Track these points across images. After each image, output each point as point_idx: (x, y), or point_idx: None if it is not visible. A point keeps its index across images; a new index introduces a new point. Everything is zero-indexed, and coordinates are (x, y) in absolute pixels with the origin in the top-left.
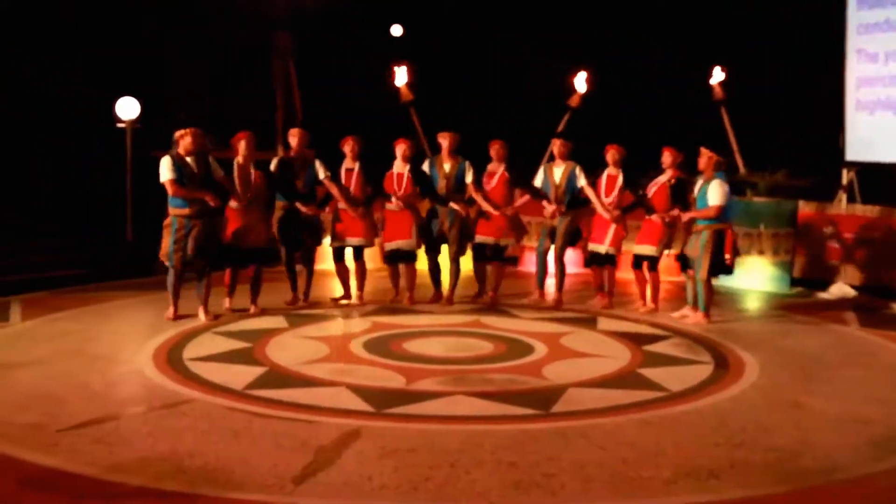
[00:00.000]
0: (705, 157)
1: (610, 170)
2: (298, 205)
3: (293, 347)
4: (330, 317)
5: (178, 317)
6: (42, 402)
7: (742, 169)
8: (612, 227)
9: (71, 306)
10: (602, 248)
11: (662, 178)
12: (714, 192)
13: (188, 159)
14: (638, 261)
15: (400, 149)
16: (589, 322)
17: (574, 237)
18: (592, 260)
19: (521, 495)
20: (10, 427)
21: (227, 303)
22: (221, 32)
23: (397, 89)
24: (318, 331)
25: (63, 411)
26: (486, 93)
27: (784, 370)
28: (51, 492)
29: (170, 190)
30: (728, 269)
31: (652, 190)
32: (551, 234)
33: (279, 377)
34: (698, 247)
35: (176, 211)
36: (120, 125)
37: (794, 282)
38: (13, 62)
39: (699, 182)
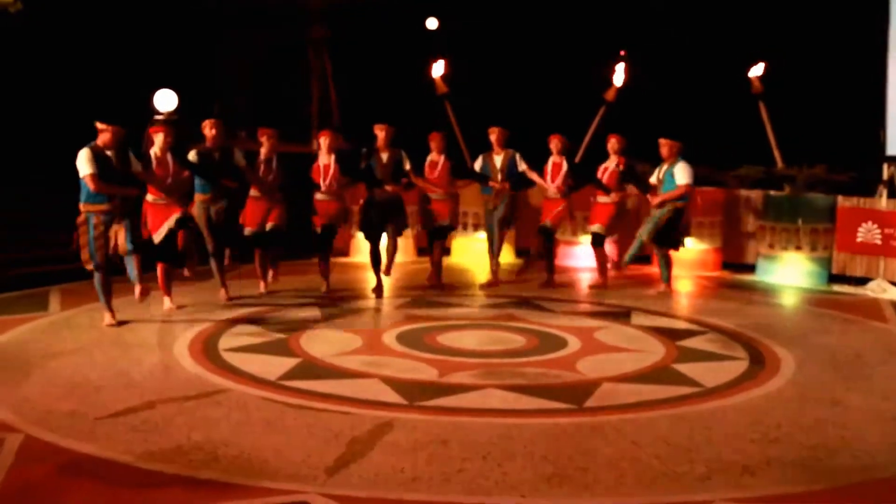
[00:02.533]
0: (666, 145)
1: (554, 157)
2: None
3: (327, 339)
4: (363, 309)
5: (119, 322)
6: (81, 391)
7: (780, 163)
8: (560, 206)
9: None
10: (548, 223)
11: (611, 164)
12: (681, 173)
13: (108, 153)
14: (597, 239)
15: (324, 140)
16: (623, 317)
17: (510, 222)
18: (542, 232)
19: (552, 489)
20: (49, 415)
21: (168, 302)
22: (258, 26)
23: (433, 81)
24: (351, 323)
25: (101, 399)
26: (523, 85)
27: (821, 367)
28: (88, 479)
29: (91, 185)
30: (676, 244)
31: (604, 175)
32: (493, 217)
33: (313, 368)
34: (653, 218)
35: (93, 207)
36: (158, 118)
37: (832, 278)
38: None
39: (663, 167)
